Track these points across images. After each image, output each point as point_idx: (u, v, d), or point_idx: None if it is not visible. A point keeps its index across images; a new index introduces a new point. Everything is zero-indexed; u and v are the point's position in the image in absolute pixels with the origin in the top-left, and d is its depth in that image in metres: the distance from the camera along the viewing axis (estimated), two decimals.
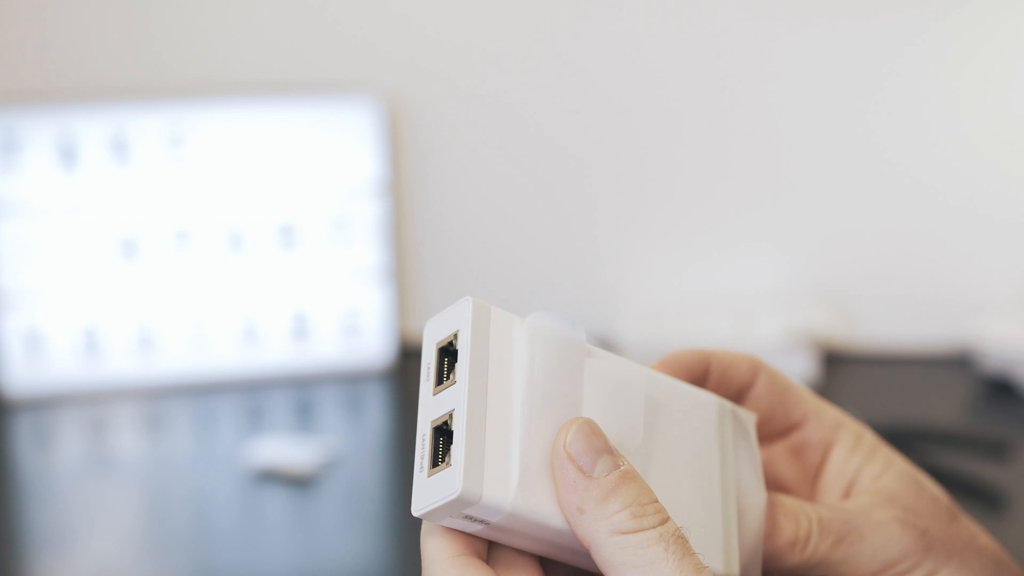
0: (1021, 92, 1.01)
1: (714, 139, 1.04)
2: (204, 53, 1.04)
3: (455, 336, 0.36)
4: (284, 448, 0.87)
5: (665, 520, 0.34)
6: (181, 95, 1.01)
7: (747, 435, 0.41)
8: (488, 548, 0.37)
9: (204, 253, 1.01)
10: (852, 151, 1.03)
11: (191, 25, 1.04)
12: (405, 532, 0.77)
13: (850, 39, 1.01)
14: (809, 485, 0.43)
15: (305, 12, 1.03)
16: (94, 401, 1.00)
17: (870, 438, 0.43)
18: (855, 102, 1.02)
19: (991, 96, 1.01)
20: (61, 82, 1.03)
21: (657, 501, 0.34)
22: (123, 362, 1.01)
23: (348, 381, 1.03)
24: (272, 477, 0.85)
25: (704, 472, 0.39)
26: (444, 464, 0.34)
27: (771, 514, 0.39)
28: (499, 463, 0.34)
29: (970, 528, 0.41)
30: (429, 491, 0.35)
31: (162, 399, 1.00)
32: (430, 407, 0.36)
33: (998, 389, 0.98)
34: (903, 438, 0.85)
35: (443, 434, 0.35)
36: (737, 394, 0.42)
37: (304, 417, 0.99)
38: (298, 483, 0.84)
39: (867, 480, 0.41)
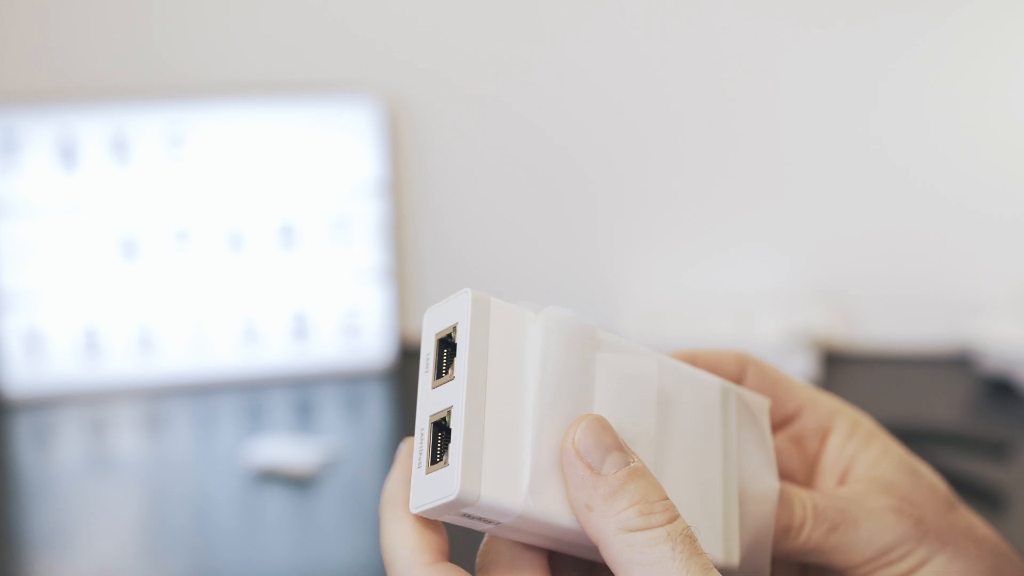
0: (1021, 92, 1.01)
1: (714, 139, 1.04)
2: (204, 53, 1.04)
3: (454, 328, 0.35)
4: (284, 448, 0.87)
5: (674, 518, 0.34)
6: (181, 95, 1.01)
7: (758, 422, 0.40)
8: (490, 545, 0.37)
9: (204, 253, 1.01)
10: (852, 151, 1.03)
11: (191, 25, 1.04)
12: None
13: (850, 40, 1.01)
14: (808, 473, 0.43)
15: (305, 12, 1.03)
16: (94, 401, 1.00)
17: (867, 424, 0.42)
18: (855, 102, 1.02)
19: (991, 97, 1.01)
20: (61, 82, 1.03)
21: (667, 498, 0.34)
22: (123, 362, 1.01)
23: (348, 381, 1.03)
24: (272, 477, 0.85)
25: (707, 457, 0.38)
26: (442, 463, 0.34)
27: None
28: (504, 462, 0.34)
29: (968, 518, 0.41)
30: (427, 489, 0.34)
31: (162, 399, 1.00)
32: (429, 401, 0.35)
33: (998, 389, 0.98)
34: (903, 438, 0.85)
35: (442, 430, 0.34)
36: None
37: (304, 417, 0.99)
38: (298, 483, 0.84)
39: (863, 467, 0.41)
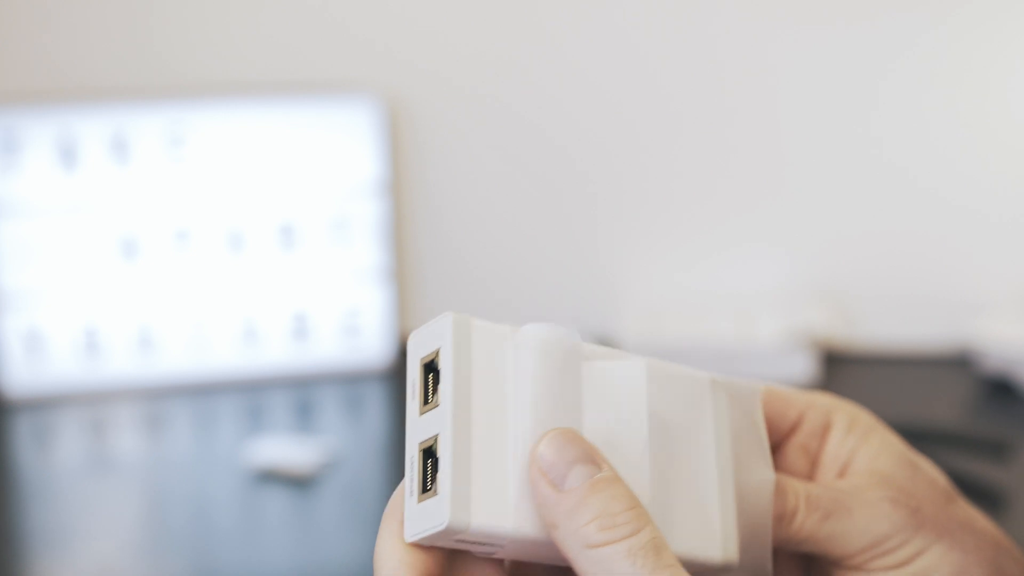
0: (1021, 92, 1.01)
1: (714, 139, 1.04)
2: (204, 53, 1.04)
3: (437, 353, 0.35)
4: (284, 448, 0.87)
5: (638, 529, 0.33)
6: (181, 95, 1.01)
7: (750, 410, 0.40)
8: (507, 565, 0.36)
9: (204, 253, 1.01)
10: (852, 151, 1.03)
11: (191, 25, 1.04)
12: None
13: (850, 40, 1.01)
14: (810, 470, 0.42)
15: (305, 12, 1.03)
16: (94, 401, 1.00)
17: (866, 419, 0.42)
18: (855, 103, 1.02)
19: (991, 97, 1.01)
20: (61, 82, 1.03)
21: (633, 507, 0.33)
22: (123, 362, 1.01)
23: (348, 381, 1.03)
24: (272, 477, 0.85)
25: (700, 455, 0.38)
26: (432, 492, 0.34)
27: None
28: (494, 486, 0.34)
29: (967, 511, 0.41)
30: (420, 519, 0.34)
31: (162, 399, 1.00)
32: (417, 428, 0.35)
33: (998, 389, 0.98)
34: (903, 438, 0.85)
35: (431, 456, 0.34)
36: None
37: (304, 417, 0.99)
38: (298, 483, 0.84)
39: (862, 461, 0.41)
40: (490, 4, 1.02)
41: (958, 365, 1.02)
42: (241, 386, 1.02)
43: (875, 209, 1.04)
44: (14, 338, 0.99)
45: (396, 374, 1.04)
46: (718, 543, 0.38)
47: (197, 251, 1.01)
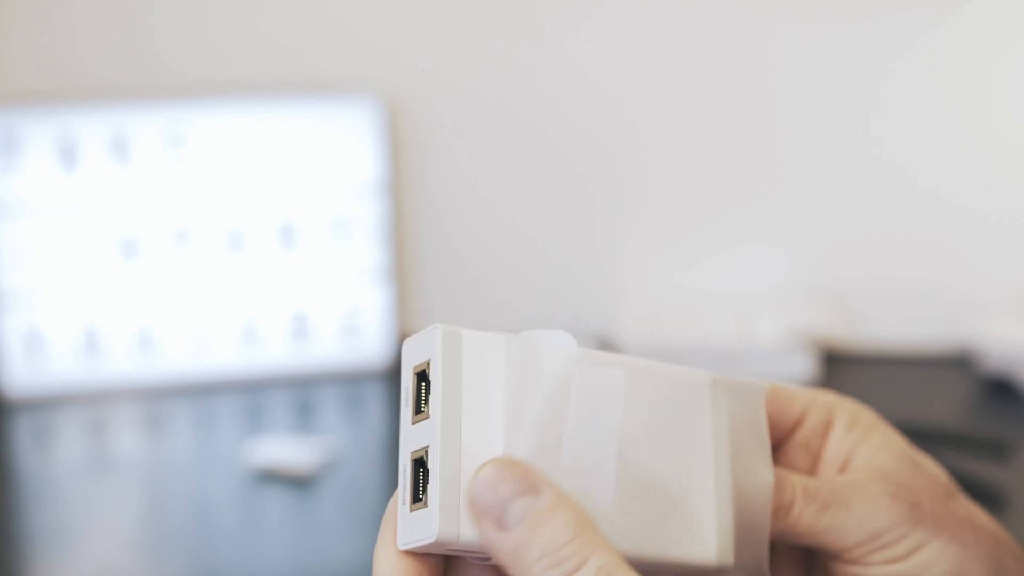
0: (1021, 92, 1.01)
1: (714, 139, 1.04)
2: (204, 53, 1.04)
3: (428, 364, 0.35)
4: (284, 448, 0.87)
5: (585, 560, 0.32)
6: (181, 95, 1.01)
7: (753, 410, 0.40)
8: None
9: (204, 253, 1.01)
10: (852, 151, 1.03)
11: (191, 25, 1.04)
12: None
13: (850, 40, 1.01)
14: (812, 467, 0.43)
15: (305, 12, 1.03)
16: (94, 401, 1.00)
17: (868, 416, 0.42)
18: (855, 103, 1.02)
19: (991, 97, 1.01)
20: (61, 82, 1.03)
21: (578, 535, 0.32)
22: (123, 362, 1.01)
23: (348, 381, 1.03)
24: (272, 477, 0.85)
25: (697, 457, 0.38)
26: (422, 503, 0.34)
27: None
28: None
29: (967, 507, 0.41)
30: (411, 528, 0.35)
31: (162, 399, 1.00)
32: (409, 437, 0.36)
33: (998, 389, 0.98)
34: (903, 438, 0.85)
35: (422, 466, 0.35)
36: None
37: (304, 417, 0.99)
38: (298, 483, 0.84)
39: (862, 458, 0.41)
40: (490, 4, 1.02)
41: (958, 365, 1.02)
42: (241, 386, 1.02)
43: (875, 209, 1.04)
44: (14, 338, 0.99)
45: (396, 374, 1.04)
46: (713, 546, 0.37)
47: (197, 251, 1.01)
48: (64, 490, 0.87)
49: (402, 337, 1.07)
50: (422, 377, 0.36)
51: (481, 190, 1.07)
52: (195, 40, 1.04)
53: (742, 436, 0.40)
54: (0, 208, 0.98)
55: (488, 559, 0.35)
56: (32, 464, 0.93)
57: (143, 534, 0.80)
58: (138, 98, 1.00)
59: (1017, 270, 1.03)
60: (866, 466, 0.41)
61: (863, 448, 0.41)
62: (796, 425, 0.42)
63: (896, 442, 0.42)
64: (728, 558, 0.38)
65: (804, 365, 0.99)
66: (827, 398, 0.43)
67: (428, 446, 0.34)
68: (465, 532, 0.34)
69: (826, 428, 0.42)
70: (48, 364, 1.00)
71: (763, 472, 0.39)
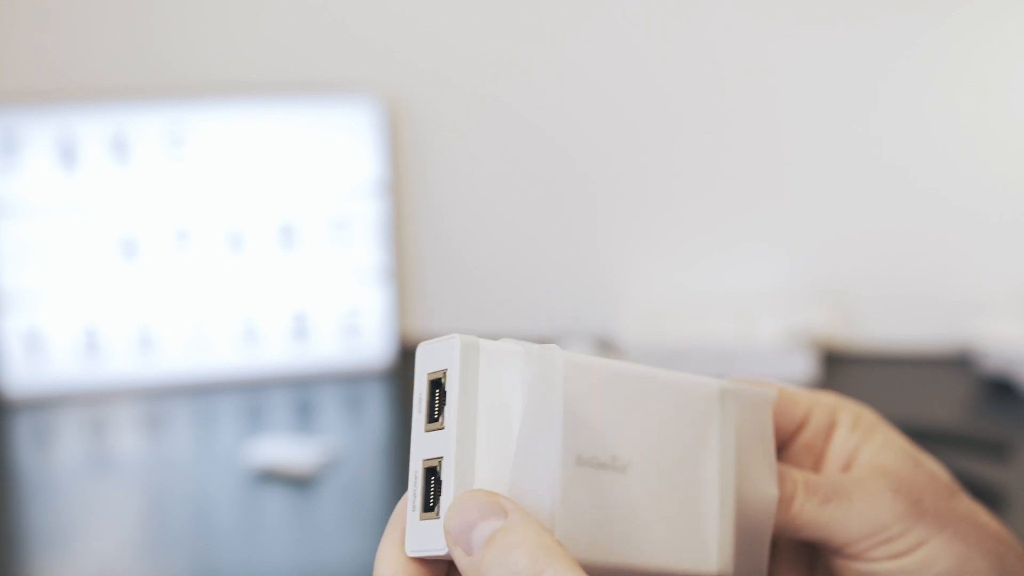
0: (1021, 92, 1.01)
1: (714, 139, 1.04)
2: (204, 53, 1.04)
3: (444, 374, 0.35)
4: (284, 448, 0.87)
5: (540, 573, 0.32)
6: (181, 95, 1.01)
7: (762, 420, 0.40)
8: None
9: (204, 253, 1.01)
10: (852, 151, 1.03)
11: (191, 25, 1.04)
12: None
13: (850, 40, 1.01)
14: (815, 467, 0.43)
15: (305, 12, 1.03)
16: (94, 401, 1.00)
17: (869, 417, 0.43)
18: (855, 103, 1.02)
19: (991, 97, 1.01)
20: (61, 82, 1.03)
21: (533, 553, 0.32)
22: (123, 362, 1.01)
23: (348, 381, 1.03)
24: (272, 477, 0.85)
25: (701, 466, 0.38)
26: (433, 513, 0.34)
27: None
28: None
29: (970, 506, 0.41)
30: (420, 536, 0.35)
31: (162, 399, 1.00)
32: (421, 444, 0.35)
33: (998, 389, 0.98)
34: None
35: (434, 475, 0.35)
36: None
37: (304, 417, 0.99)
38: (298, 483, 0.84)
39: (866, 457, 0.41)
40: (490, 4, 1.02)
41: (958, 365, 1.02)
42: (241, 386, 1.02)
43: (875, 209, 1.04)
44: (14, 338, 0.99)
45: (396, 374, 1.04)
46: (713, 555, 0.37)
47: (197, 251, 1.01)
48: (64, 490, 0.87)
49: (402, 337, 1.07)
50: (436, 385, 0.35)
51: (481, 190, 1.07)
52: (195, 40, 1.04)
53: (748, 446, 0.39)
54: (0, 208, 0.98)
55: None
56: (32, 464, 0.93)
57: (143, 534, 0.80)
58: (138, 98, 1.00)
59: (1017, 270, 1.03)
60: (869, 465, 0.41)
61: (866, 448, 0.42)
62: (800, 427, 0.42)
63: (898, 442, 0.42)
64: (728, 569, 0.38)
65: (804, 365, 0.99)
66: (830, 399, 0.43)
67: (442, 457, 0.34)
68: None
69: (829, 429, 0.42)
70: (48, 364, 1.00)
71: (767, 487, 0.39)
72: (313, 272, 1.03)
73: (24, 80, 1.03)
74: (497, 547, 0.32)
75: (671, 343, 1.00)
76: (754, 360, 0.99)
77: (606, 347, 1.03)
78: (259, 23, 1.04)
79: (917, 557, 0.39)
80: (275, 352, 1.03)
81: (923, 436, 0.87)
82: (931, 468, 0.42)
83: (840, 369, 1.03)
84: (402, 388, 1.03)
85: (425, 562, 0.35)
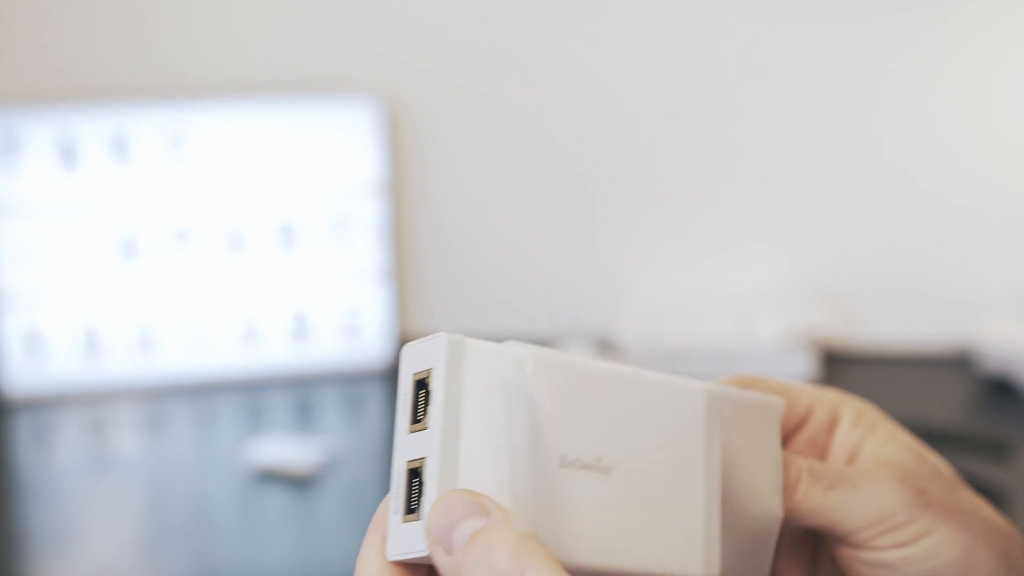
0: (1021, 92, 1.01)
1: (714, 139, 1.04)
2: (204, 53, 1.04)
3: (430, 374, 0.35)
4: (284, 448, 0.87)
5: (522, 572, 0.32)
6: (181, 95, 1.01)
7: (767, 430, 0.40)
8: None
9: (204, 253, 1.01)
10: (852, 151, 1.03)
11: (191, 25, 1.04)
12: None
13: (850, 40, 1.01)
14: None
15: (305, 12, 1.03)
16: (94, 401, 1.00)
17: (872, 413, 0.43)
18: (855, 103, 1.02)
19: (991, 97, 1.01)
20: (61, 82, 1.03)
21: (513, 551, 0.32)
22: (123, 362, 1.01)
23: (348, 381, 1.03)
24: (272, 477, 0.85)
25: (686, 467, 0.38)
26: (415, 516, 0.34)
27: None
28: None
29: (974, 499, 0.41)
30: (402, 539, 0.34)
31: (162, 399, 1.00)
32: (405, 445, 0.35)
33: (998, 389, 0.98)
34: None
35: (417, 476, 0.34)
36: None
37: (304, 417, 0.99)
38: (298, 483, 0.84)
39: (870, 451, 0.41)
40: (490, 4, 1.02)
41: (958, 365, 1.02)
42: (241, 386, 1.02)
43: (875, 209, 1.04)
44: (14, 338, 0.99)
45: (396, 375, 1.04)
46: (699, 558, 0.37)
47: (197, 251, 1.01)
48: (64, 490, 0.87)
49: (402, 337, 1.07)
50: (421, 385, 0.35)
51: (481, 190, 1.07)
52: (195, 40, 1.04)
53: (751, 456, 0.39)
54: (0, 208, 0.98)
55: None
56: (32, 464, 0.93)
57: (143, 534, 0.80)
58: (138, 98, 1.00)
59: (1017, 270, 1.03)
60: (873, 458, 0.41)
61: (869, 442, 0.42)
62: (802, 422, 0.43)
63: (902, 436, 0.42)
64: (715, 571, 0.38)
65: (804, 365, 0.99)
66: (832, 395, 0.43)
67: (425, 458, 0.34)
68: None
69: (832, 424, 0.42)
70: (48, 364, 1.00)
71: (772, 505, 0.39)
72: (313, 272, 1.03)
73: (24, 80, 1.03)
74: (479, 546, 0.32)
75: (671, 343, 1.00)
76: (754, 360, 0.99)
77: (606, 347, 1.03)
78: (259, 23, 1.04)
79: (922, 546, 0.39)
80: (275, 352, 1.03)
81: (923, 436, 0.87)
82: (935, 462, 0.42)
83: (840, 369, 1.03)
84: None
85: (407, 566, 0.35)
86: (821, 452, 0.42)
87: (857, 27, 1.00)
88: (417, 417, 0.35)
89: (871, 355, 1.05)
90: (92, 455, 0.95)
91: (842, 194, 1.04)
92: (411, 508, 0.34)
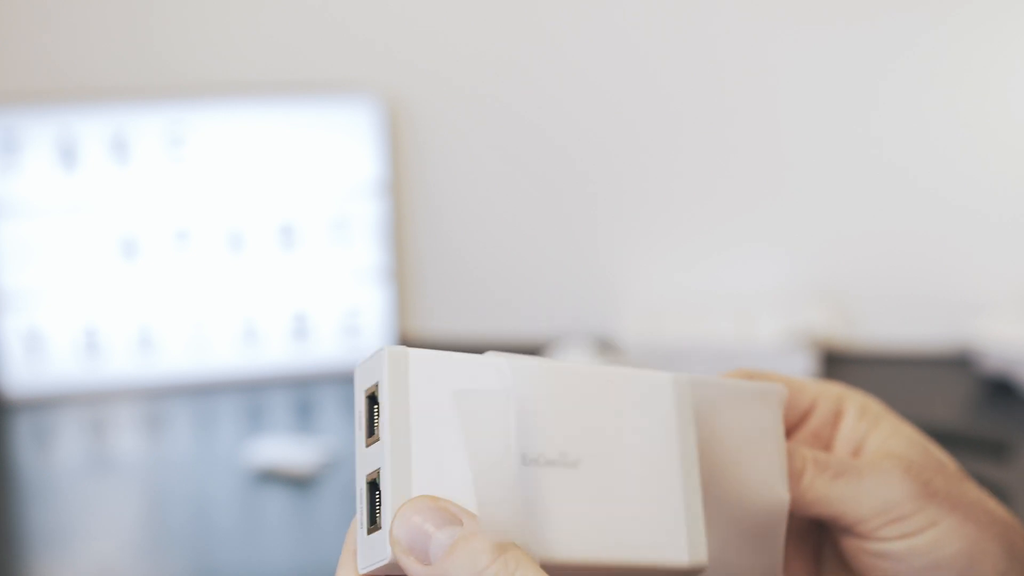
0: (1021, 93, 1.01)
1: (714, 139, 1.04)
2: (204, 53, 1.04)
3: (377, 387, 0.35)
4: (284, 448, 0.87)
5: None
6: (181, 95, 1.01)
7: (768, 417, 0.40)
8: None
9: (204, 253, 1.01)
10: (852, 151, 1.03)
11: (191, 25, 1.04)
12: None
13: (850, 40, 1.01)
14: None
15: (305, 12, 1.03)
16: (94, 401, 1.00)
17: (876, 407, 0.43)
18: (855, 103, 1.02)
19: (991, 97, 1.01)
20: (61, 82, 1.03)
21: (501, 556, 0.33)
22: (123, 362, 1.01)
23: (348, 381, 1.03)
24: (272, 477, 0.85)
25: (660, 458, 0.38)
26: (377, 526, 0.34)
27: None
28: None
29: (978, 492, 0.41)
30: (369, 551, 0.35)
31: (162, 399, 1.00)
32: (363, 459, 0.35)
33: (998, 389, 0.98)
34: None
35: (376, 489, 0.35)
36: None
37: (304, 417, 0.99)
38: (298, 483, 0.84)
39: (874, 444, 0.42)
40: (490, 4, 1.02)
41: (958, 365, 1.02)
42: (241, 386, 1.02)
43: (875, 209, 1.04)
44: (14, 338, 0.99)
45: None
46: (683, 546, 0.37)
47: (197, 251, 1.01)
48: (64, 490, 0.87)
49: (402, 337, 1.07)
50: (373, 400, 0.35)
51: (481, 190, 1.07)
52: (195, 40, 1.04)
53: (750, 444, 0.39)
54: (0, 208, 0.98)
55: None
56: (32, 464, 0.93)
57: (143, 534, 0.80)
58: (138, 98, 1.00)
59: (1017, 270, 1.03)
60: (878, 450, 0.41)
61: (874, 435, 0.42)
62: (806, 415, 0.43)
63: (906, 430, 0.42)
64: (701, 557, 0.37)
65: (804, 365, 0.99)
66: (836, 388, 0.43)
67: (380, 468, 0.34)
68: None
69: (836, 418, 0.42)
70: (48, 364, 1.00)
71: (778, 490, 0.39)
72: (313, 272, 1.03)
73: (24, 80, 1.03)
74: (462, 553, 0.33)
75: (671, 343, 1.00)
76: (754, 360, 0.99)
77: (606, 347, 1.03)
78: (259, 23, 1.04)
79: (927, 537, 0.39)
80: (275, 352, 1.03)
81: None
82: (939, 455, 0.42)
83: (840, 369, 1.03)
84: None
85: None
86: (825, 445, 0.42)
87: (857, 27, 1.00)
88: (371, 431, 0.35)
89: (871, 355, 1.05)
90: (92, 455, 0.95)
91: (842, 194, 1.04)
92: (374, 519, 0.34)
